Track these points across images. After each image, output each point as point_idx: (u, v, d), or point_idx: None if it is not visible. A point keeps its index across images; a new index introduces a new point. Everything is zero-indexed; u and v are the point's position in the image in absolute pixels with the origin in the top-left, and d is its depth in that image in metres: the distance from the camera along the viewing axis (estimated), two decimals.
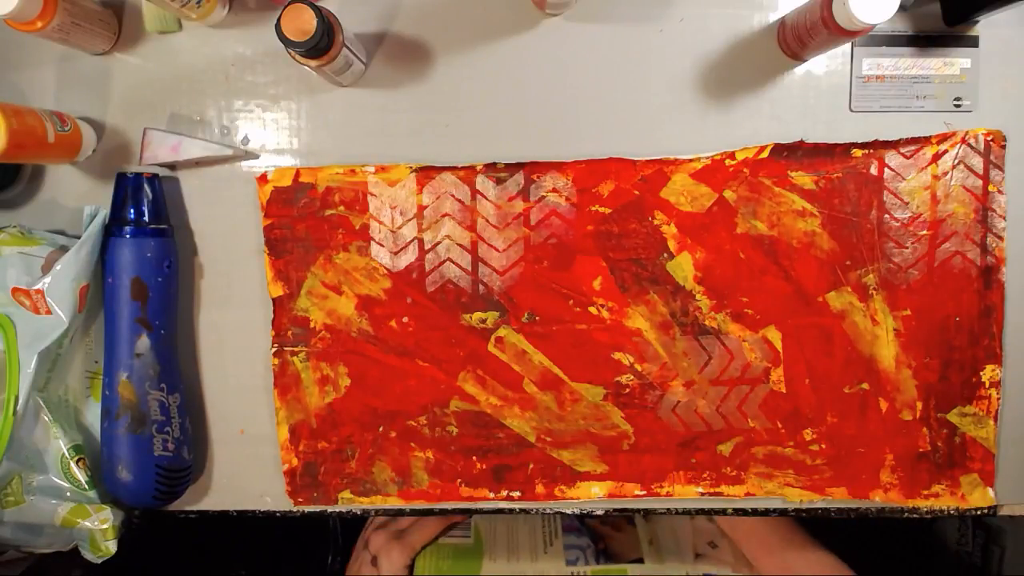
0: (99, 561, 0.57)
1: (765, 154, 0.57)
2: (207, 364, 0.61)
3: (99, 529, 0.56)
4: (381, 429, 0.60)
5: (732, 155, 0.57)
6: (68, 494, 0.56)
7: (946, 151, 0.57)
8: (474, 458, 0.60)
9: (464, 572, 0.74)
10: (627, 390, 0.59)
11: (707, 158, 0.57)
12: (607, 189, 0.58)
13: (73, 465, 0.56)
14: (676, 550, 0.77)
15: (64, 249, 0.54)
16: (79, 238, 0.54)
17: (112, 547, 0.56)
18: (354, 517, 0.63)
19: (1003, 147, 0.57)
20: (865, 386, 0.59)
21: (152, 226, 0.56)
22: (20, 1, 0.48)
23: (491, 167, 0.58)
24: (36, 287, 0.51)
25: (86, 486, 0.56)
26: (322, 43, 0.48)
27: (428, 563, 0.75)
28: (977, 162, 0.57)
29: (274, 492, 0.62)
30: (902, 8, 0.56)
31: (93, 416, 0.59)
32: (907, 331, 0.58)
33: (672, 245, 0.58)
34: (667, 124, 0.58)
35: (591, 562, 0.75)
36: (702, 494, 0.60)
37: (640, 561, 0.76)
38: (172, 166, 0.59)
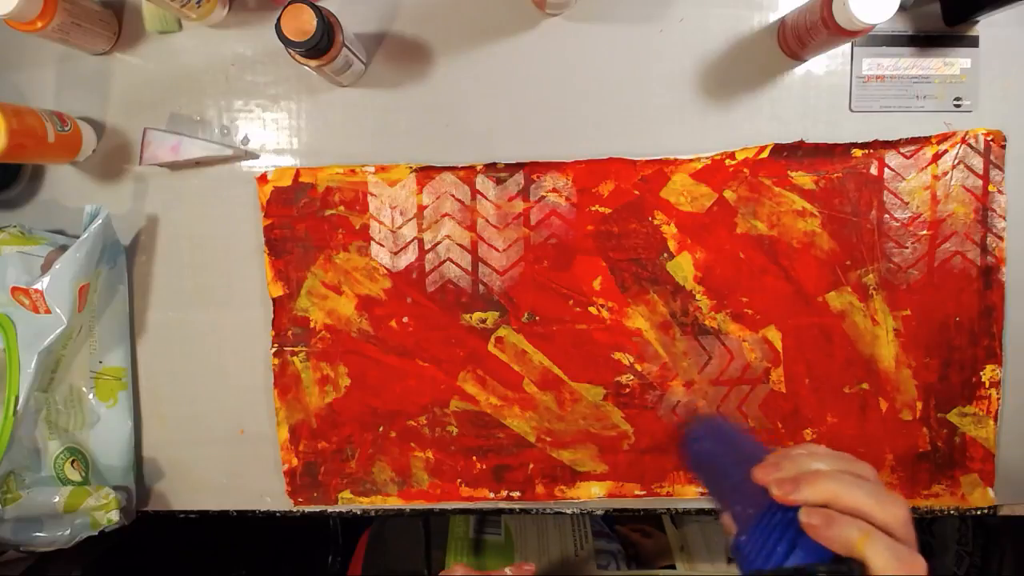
0: (107, 530, 0.57)
1: (765, 154, 0.57)
2: (207, 364, 0.61)
3: (102, 504, 0.56)
4: (381, 429, 0.60)
5: (732, 155, 0.57)
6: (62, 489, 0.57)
7: (946, 151, 0.57)
8: (474, 458, 0.60)
9: (496, 568, 0.74)
10: (627, 390, 0.59)
11: (707, 158, 0.57)
12: (607, 189, 0.58)
13: (68, 466, 0.56)
14: (708, 555, 0.77)
15: (64, 249, 0.54)
16: (79, 238, 0.54)
17: (115, 516, 0.56)
18: (354, 517, 0.63)
19: (1003, 147, 0.57)
20: (865, 386, 0.59)
21: None
22: (20, 1, 0.48)
23: (491, 167, 0.58)
24: (35, 286, 0.51)
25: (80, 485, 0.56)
26: (322, 43, 0.48)
27: (459, 560, 0.75)
28: (977, 162, 0.57)
29: (274, 492, 0.62)
30: (902, 8, 0.56)
31: (94, 416, 0.59)
32: (907, 331, 0.58)
33: (672, 245, 0.58)
34: (667, 124, 0.58)
35: (623, 567, 0.75)
36: (702, 494, 0.60)
37: (672, 567, 0.75)
38: (172, 166, 0.59)
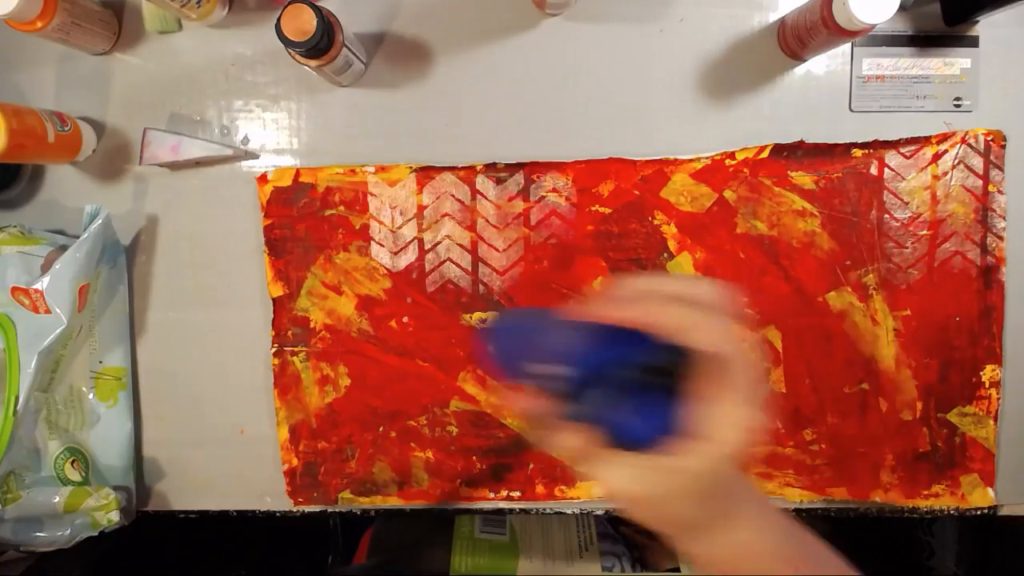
0: (107, 530, 0.57)
1: (765, 154, 0.57)
2: (207, 364, 0.61)
3: (102, 504, 0.56)
4: (381, 429, 0.60)
5: (732, 155, 0.57)
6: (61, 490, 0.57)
7: (946, 151, 0.57)
8: (474, 458, 0.60)
9: (501, 570, 0.73)
10: None
11: (707, 158, 0.57)
12: (607, 189, 0.58)
13: (68, 466, 0.56)
14: None
15: (64, 249, 0.54)
16: (79, 238, 0.54)
17: (115, 516, 0.56)
18: (354, 517, 0.63)
19: (1003, 147, 0.57)
20: (865, 386, 0.59)
21: None
22: (20, 1, 0.48)
23: (491, 167, 0.58)
24: (35, 286, 0.51)
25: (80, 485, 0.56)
26: (322, 43, 0.48)
27: (464, 560, 0.75)
28: (977, 162, 0.57)
29: (274, 492, 0.62)
30: (902, 8, 0.56)
31: (94, 416, 0.59)
32: (907, 331, 0.58)
33: (672, 245, 0.58)
34: (667, 124, 0.58)
35: (627, 569, 0.75)
36: None
37: (677, 571, 0.75)
38: (172, 166, 0.59)
